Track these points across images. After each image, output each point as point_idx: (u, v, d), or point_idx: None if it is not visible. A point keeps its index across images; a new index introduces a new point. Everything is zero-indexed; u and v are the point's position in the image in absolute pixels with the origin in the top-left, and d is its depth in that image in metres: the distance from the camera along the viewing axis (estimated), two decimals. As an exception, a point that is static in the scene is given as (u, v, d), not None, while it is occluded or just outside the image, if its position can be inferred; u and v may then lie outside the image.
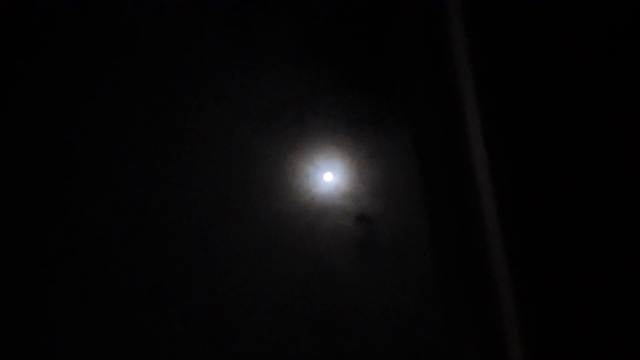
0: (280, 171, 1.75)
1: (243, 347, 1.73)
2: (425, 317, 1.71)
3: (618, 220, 1.57)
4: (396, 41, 1.68)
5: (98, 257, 1.76)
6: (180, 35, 1.78)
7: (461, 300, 1.61)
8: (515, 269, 1.57)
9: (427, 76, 1.63)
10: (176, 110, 1.77)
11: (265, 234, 1.73)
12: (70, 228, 1.76)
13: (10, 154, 1.78)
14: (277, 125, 1.76)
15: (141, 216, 1.76)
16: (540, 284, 1.57)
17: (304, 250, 1.73)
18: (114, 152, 1.77)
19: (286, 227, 1.73)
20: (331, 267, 1.72)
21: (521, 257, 1.57)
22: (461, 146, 1.59)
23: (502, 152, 1.58)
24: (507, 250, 1.57)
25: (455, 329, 1.62)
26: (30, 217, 1.77)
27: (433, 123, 1.62)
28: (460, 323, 1.62)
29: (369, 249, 1.72)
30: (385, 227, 1.72)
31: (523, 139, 1.58)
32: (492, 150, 1.57)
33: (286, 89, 1.76)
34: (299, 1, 1.77)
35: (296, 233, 1.73)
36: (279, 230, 1.73)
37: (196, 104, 1.77)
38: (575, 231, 1.57)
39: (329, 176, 1.74)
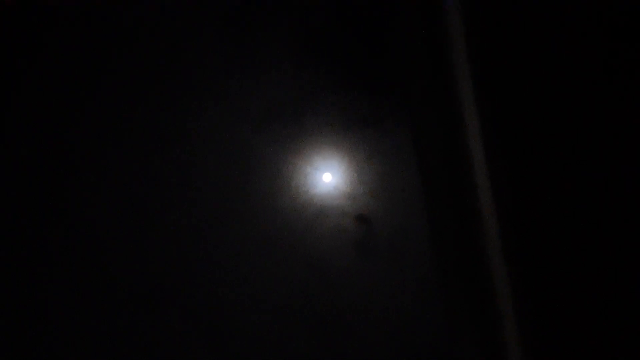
0: (280, 171, 1.75)
1: (243, 347, 1.73)
2: (424, 317, 1.70)
3: (617, 220, 1.56)
4: (396, 41, 1.68)
5: (98, 257, 1.76)
6: (180, 35, 1.78)
7: (460, 300, 1.61)
8: (514, 269, 1.57)
9: (426, 77, 1.63)
10: (176, 110, 1.77)
11: (265, 234, 1.74)
12: (70, 228, 1.77)
13: (10, 154, 1.79)
14: (277, 125, 1.76)
15: (141, 216, 1.76)
16: (540, 284, 1.57)
17: (304, 250, 1.73)
18: (114, 152, 1.77)
19: (285, 227, 1.73)
20: (330, 267, 1.72)
21: (520, 257, 1.57)
22: (460, 146, 1.59)
23: (501, 152, 1.57)
24: (506, 251, 1.57)
25: (454, 329, 1.62)
26: (30, 217, 1.77)
27: (432, 123, 1.62)
28: (460, 323, 1.61)
29: (368, 249, 1.72)
30: (384, 227, 1.72)
31: (522, 140, 1.58)
32: (491, 150, 1.57)
33: (286, 89, 1.76)
34: (299, 1, 1.76)
35: (295, 233, 1.73)
36: (279, 230, 1.73)
37: (196, 104, 1.77)
38: (574, 231, 1.57)
39: (328, 176, 1.74)
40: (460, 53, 1.58)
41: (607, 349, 1.56)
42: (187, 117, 1.77)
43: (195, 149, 1.76)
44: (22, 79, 1.79)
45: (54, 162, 1.78)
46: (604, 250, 1.56)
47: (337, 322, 1.72)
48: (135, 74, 1.78)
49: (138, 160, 1.77)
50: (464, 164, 1.59)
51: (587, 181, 1.57)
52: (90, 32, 1.79)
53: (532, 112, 1.58)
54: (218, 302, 1.74)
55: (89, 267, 1.76)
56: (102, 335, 1.75)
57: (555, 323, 1.57)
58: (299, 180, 1.74)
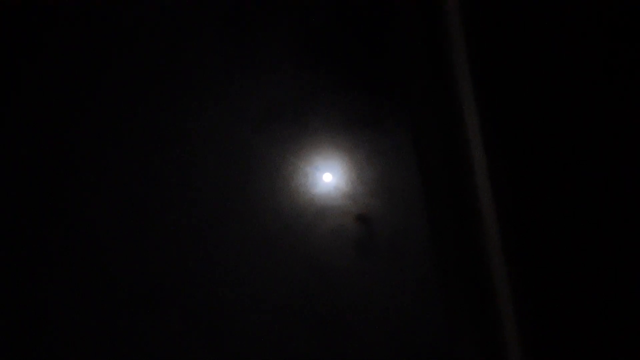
0: (280, 171, 1.75)
1: (243, 347, 1.73)
2: (424, 317, 1.70)
3: (617, 220, 1.56)
4: (396, 41, 1.68)
5: (98, 258, 1.76)
6: (180, 35, 1.78)
7: (460, 300, 1.61)
8: (514, 269, 1.57)
9: (426, 77, 1.63)
10: (176, 110, 1.77)
11: (265, 234, 1.74)
12: (70, 228, 1.77)
13: (10, 154, 1.79)
14: (277, 125, 1.76)
15: (141, 216, 1.76)
16: (540, 284, 1.57)
17: (304, 250, 1.73)
18: (114, 152, 1.77)
19: (285, 227, 1.73)
20: (330, 267, 1.73)
21: (520, 257, 1.57)
22: (460, 146, 1.59)
23: (501, 152, 1.58)
24: (506, 251, 1.57)
25: (454, 329, 1.62)
26: (30, 217, 1.77)
27: (432, 124, 1.62)
28: (460, 323, 1.61)
29: (368, 249, 1.72)
30: (384, 227, 1.72)
31: (522, 140, 1.58)
32: (491, 150, 1.57)
33: (286, 89, 1.76)
34: (299, 1, 1.76)
35: (295, 233, 1.73)
36: (279, 230, 1.73)
37: (196, 104, 1.77)
38: (574, 231, 1.57)
39: (328, 176, 1.74)
40: (460, 53, 1.58)
41: (607, 349, 1.56)
42: (187, 117, 1.77)
43: (195, 149, 1.76)
44: (22, 79, 1.79)
45: (54, 162, 1.78)
46: (604, 250, 1.56)
47: (337, 322, 1.72)
48: (135, 74, 1.78)
49: (138, 160, 1.77)
50: (464, 164, 1.59)
51: (587, 181, 1.57)
52: (90, 32, 1.79)
53: (532, 112, 1.58)
54: (218, 302, 1.74)
55: (89, 267, 1.76)
56: (102, 335, 1.75)
57: (555, 323, 1.57)
58: (299, 180, 1.74)
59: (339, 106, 1.74)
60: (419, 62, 1.64)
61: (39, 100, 1.79)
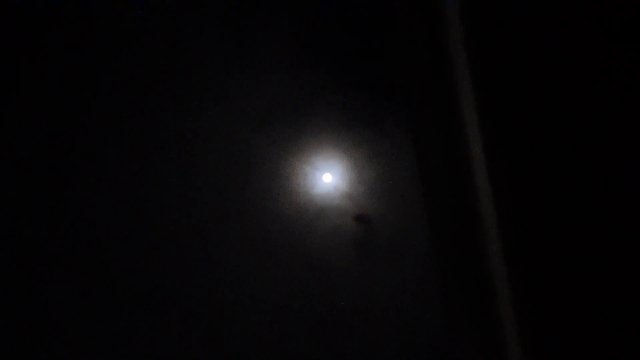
0: (280, 171, 1.75)
1: (243, 347, 1.73)
2: (424, 317, 1.70)
3: (617, 220, 1.56)
4: (396, 42, 1.68)
5: (98, 258, 1.76)
6: (180, 35, 1.78)
7: (460, 300, 1.61)
8: (514, 269, 1.57)
9: (426, 77, 1.63)
10: (176, 110, 1.77)
11: (265, 234, 1.73)
12: (70, 228, 1.76)
13: (10, 154, 1.79)
14: (277, 125, 1.76)
15: (141, 216, 1.76)
16: (540, 284, 1.57)
17: (303, 250, 1.73)
18: (114, 152, 1.77)
19: (285, 227, 1.73)
20: (330, 267, 1.72)
21: (520, 257, 1.57)
22: (460, 147, 1.59)
23: (501, 152, 1.57)
24: (506, 251, 1.57)
25: (454, 329, 1.62)
26: (31, 217, 1.77)
27: (432, 124, 1.62)
28: (460, 323, 1.61)
29: (368, 249, 1.72)
30: (384, 227, 1.72)
31: (522, 140, 1.58)
32: (491, 150, 1.57)
33: (286, 89, 1.76)
34: (299, 1, 1.76)
35: (295, 233, 1.73)
36: (278, 230, 1.73)
37: (196, 104, 1.77)
38: (574, 231, 1.57)
39: (327, 176, 1.74)
40: (460, 53, 1.58)
41: (607, 349, 1.56)
42: (187, 117, 1.77)
43: (195, 149, 1.76)
44: (22, 79, 1.79)
45: (54, 162, 1.78)
46: (604, 250, 1.56)
47: (337, 322, 1.72)
48: (135, 74, 1.78)
49: (138, 160, 1.77)
50: (464, 164, 1.59)
51: (587, 181, 1.57)
52: (90, 32, 1.79)
53: (532, 112, 1.58)
54: (218, 302, 1.74)
55: (89, 267, 1.76)
56: (102, 335, 1.75)
57: (555, 323, 1.57)
58: (299, 181, 1.74)
59: (339, 106, 1.74)
60: (419, 62, 1.64)
61: (39, 100, 1.79)
